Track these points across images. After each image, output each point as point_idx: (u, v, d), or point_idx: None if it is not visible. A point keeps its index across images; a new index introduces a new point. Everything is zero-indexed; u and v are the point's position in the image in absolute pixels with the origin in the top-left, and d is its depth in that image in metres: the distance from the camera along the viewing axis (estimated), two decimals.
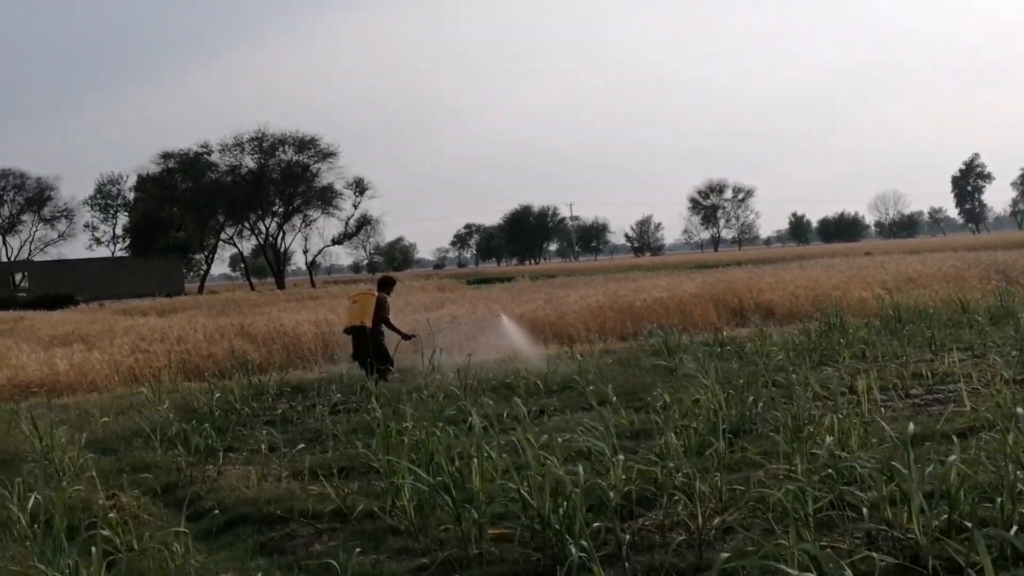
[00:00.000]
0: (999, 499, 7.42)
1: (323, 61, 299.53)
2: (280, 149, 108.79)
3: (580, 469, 7.87)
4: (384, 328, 18.43)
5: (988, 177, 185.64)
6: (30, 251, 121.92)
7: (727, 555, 6.29)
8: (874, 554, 6.56)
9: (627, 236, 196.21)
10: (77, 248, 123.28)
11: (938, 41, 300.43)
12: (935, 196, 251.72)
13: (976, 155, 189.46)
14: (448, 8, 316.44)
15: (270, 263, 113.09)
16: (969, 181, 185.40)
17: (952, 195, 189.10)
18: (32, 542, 8.16)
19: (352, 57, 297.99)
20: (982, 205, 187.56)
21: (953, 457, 7.54)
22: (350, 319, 18.56)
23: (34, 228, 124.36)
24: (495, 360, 19.25)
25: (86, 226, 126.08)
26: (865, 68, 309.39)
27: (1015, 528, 6.86)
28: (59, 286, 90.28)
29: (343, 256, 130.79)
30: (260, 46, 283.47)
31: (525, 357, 19.07)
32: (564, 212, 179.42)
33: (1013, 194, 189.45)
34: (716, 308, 28.59)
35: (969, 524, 6.74)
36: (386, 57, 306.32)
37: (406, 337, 18.77)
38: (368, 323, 18.01)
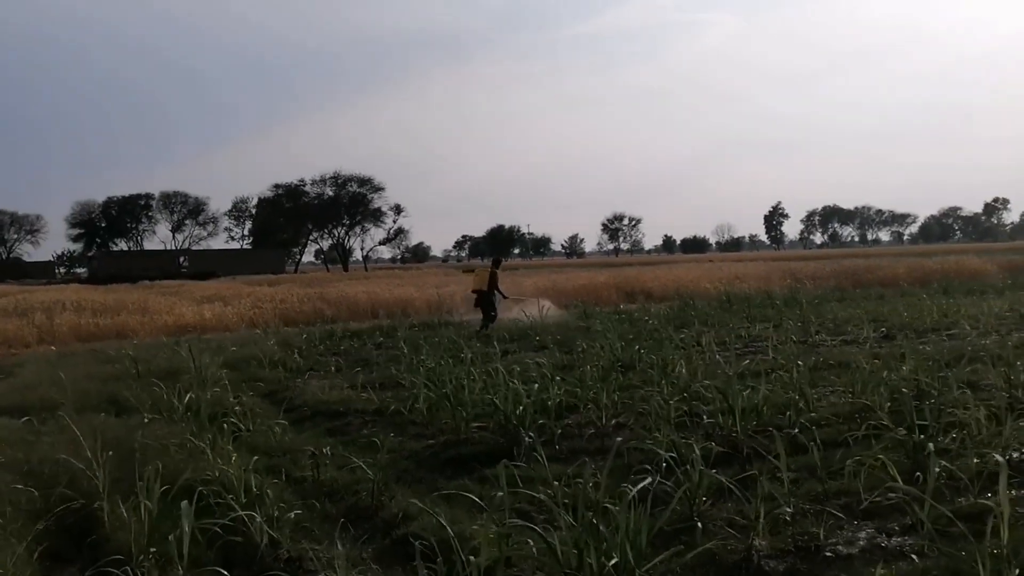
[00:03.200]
0: (788, 412, 7.59)
1: (382, 120, 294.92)
2: (348, 184, 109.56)
3: (529, 387, 7.91)
4: (495, 292, 18.86)
5: (786, 215, 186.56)
6: (189, 243, 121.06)
7: (619, 442, 6.33)
8: (711, 443, 6.67)
9: (563, 245, 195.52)
10: (219, 242, 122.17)
11: (755, 130, 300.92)
12: (753, 226, 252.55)
13: (780, 202, 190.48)
14: (466, 98, 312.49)
15: (339, 255, 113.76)
16: (774, 218, 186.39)
17: (763, 226, 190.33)
18: (187, 424, 8.18)
19: (401, 118, 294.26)
20: (782, 233, 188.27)
21: (762, 386, 7.79)
22: (475, 285, 19.11)
23: (192, 229, 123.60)
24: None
25: (225, 229, 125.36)
26: (714, 145, 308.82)
27: (797, 430, 7.02)
28: (207, 266, 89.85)
29: (385, 252, 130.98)
30: (337, 111, 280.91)
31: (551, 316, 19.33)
32: (524, 229, 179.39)
33: (801, 227, 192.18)
34: (616, 292, 28.61)
35: (771, 428, 6.93)
36: (419, 119, 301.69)
37: (504, 296, 19.40)
38: (484, 288, 18.61)
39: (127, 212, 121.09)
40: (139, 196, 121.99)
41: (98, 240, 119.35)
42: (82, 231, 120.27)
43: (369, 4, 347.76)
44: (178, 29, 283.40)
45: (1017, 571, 3.68)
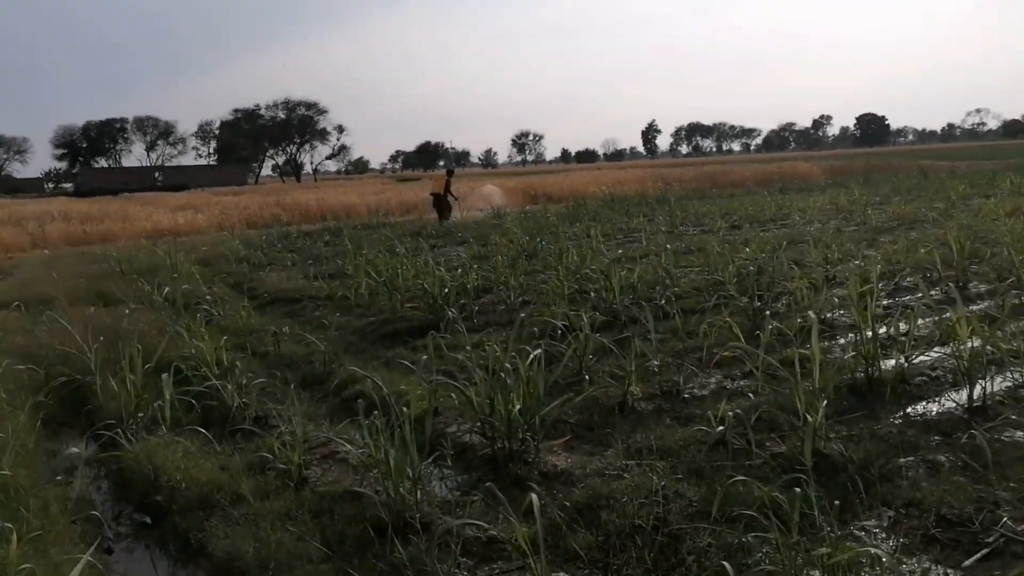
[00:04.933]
0: (657, 288, 7.73)
1: (327, 54, 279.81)
2: (298, 108, 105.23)
3: (452, 273, 7.80)
4: (448, 195, 19.25)
5: (659, 131, 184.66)
6: (162, 161, 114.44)
7: (523, 315, 6.37)
8: (596, 314, 6.75)
9: (479, 158, 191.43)
10: (188, 159, 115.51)
11: (634, 60, 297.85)
12: (633, 140, 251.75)
13: (654, 120, 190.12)
14: (402, 34, 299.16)
15: (292, 169, 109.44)
16: (650, 133, 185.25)
17: (641, 139, 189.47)
18: (165, 312, 7.99)
19: (344, 52, 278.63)
20: (655, 145, 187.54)
21: (637, 268, 7.86)
22: (433, 189, 19.63)
23: (164, 149, 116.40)
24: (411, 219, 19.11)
25: (193, 148, 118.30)
26: (602, 73, 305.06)
27: (664, 301, 7.14)
28: (179, 180, 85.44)
29: (331, 165, 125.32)
30: (287, 45, 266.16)
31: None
32: (447, 144, 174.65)
33: (671, 140, 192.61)
34: (523, 195, 28.41)
35: (643, 300, 7.06)
36: (360, 52, 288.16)
37: (455, 199, 19.72)
38: (440, 191, 19.09)
39: (105, 134, 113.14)
40: (115, 120, 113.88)
41: (80, 159, 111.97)
42: (65, 151, 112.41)
43: None
44: None
45: (825, 402, 3.89)
